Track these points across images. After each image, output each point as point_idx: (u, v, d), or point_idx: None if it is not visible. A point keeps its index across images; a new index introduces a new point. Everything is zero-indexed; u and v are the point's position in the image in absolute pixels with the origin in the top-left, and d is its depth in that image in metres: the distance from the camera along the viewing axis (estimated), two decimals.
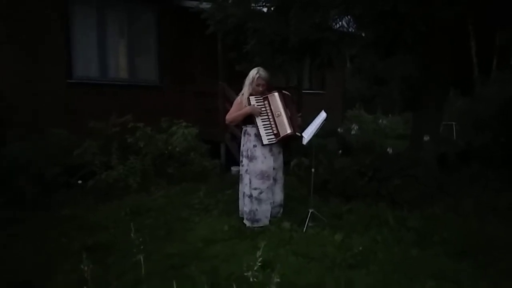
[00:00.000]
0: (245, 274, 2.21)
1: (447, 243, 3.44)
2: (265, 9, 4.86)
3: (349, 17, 4.07)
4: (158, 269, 3.04)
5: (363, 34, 5.03)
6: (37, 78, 6.17)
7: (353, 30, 4.16)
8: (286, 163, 5.80)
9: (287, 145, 4.18)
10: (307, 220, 3.95)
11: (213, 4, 5.14)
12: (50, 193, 4.88)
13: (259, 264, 2.22)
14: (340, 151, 6.02)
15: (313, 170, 4.18)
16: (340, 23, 4.15)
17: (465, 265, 3.04)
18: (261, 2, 4.90)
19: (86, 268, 2.39)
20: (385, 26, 3.71)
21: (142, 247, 2.73)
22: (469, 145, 7.05)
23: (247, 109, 3.86)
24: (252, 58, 4.57)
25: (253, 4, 4.76)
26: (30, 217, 4.28)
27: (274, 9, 4.50)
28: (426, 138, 4.87)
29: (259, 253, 2.22)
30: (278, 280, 2.02)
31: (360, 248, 3.27)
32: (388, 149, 4.90)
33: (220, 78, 7.02)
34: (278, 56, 4.38)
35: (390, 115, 16.83)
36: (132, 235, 2.59)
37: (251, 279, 2.16)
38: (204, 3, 5.40)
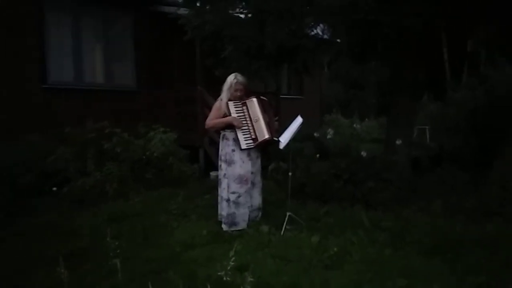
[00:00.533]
0: (219, 273, 2.26)
1: (419, 242, 3.56)
2: (242, 16, 4.93)
3: (323, 25, 4.20)
4: (135, 274, 3.04)
5: (338, 41, 5.20)
6: (10, 83, 6.05)
7: (328, 37, 4.29)
8: (264, 167, 5.88)
9: (265, 150, 4.26)
10: (285, 223, 4.02)
11: (191, 10, 5.18)
12: (23, 200, 4.78)
13: (232, 263, 2.27)
14: (318, 155, 6.13)
15: (290, 174, 4.26)
16: (315, 30, 4.27)
17: (435, 262, 3.16)
18: (239, 9, 4.97)
19: (62, 275, 2.38)
20: (357, 34, 3.85)
21: (118, 251, 2.73)
22: (441, 149, 7.30)
23: (229, 119, 3.93)
24: (229, 64, 4.63)
25: (230, 11, 4.82)
26: (3, 224, 4.19)
27: (251, 16, 4.58)
28: (398, 142, 5.03)
29: (231, 253, 2.26)
30: (252, 279, 2.07)
31: (335, 249, 3.35)
32: (362, 153, 5.03)
33: (198, 83, 7.05)
34: (255, 62, 4.46)
35: (366, 119, 17.19)
36: (108, 239, 2.56)
37: (224, 278, 2.20)
38: (181, 9, 5.43)
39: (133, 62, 7.60)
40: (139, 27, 7.54)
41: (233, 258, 2.33)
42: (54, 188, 5.11)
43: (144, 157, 5.78)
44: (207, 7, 4.75)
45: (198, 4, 5.10)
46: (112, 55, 7.39)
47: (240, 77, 3.99)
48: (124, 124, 6.09)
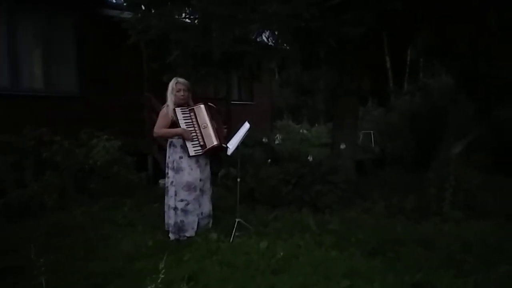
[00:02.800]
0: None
1: (362, 243, 3.70)
2: (188, 20, 4.88)
3: (268, 31, 4.27)
4: None
5: (287, 47, 5.32)
6: None
7: (272, 44, 4.37)
8: (214, 173, 5.84)
9: (216, 156, 4.23)
10: (234, 229, 4.00)
11: (135, 14, 5.05)
12: None
13: (162, 276, 2.24)
14: (269, 160, 6.20)
15: (238, 179, 4.26)
16: (261, 37, 4.32)
17: (376, 262, 3.29)
18: (185, 14, 4.92)
19: None
20: (300, 41, 3.95)
21: (56, 266, 2.56)
22: (384, 152, 7.68)
23: (178, 130, 3.86)
24: (175, 69, 4.56)
25: (176, 16, 4.76)
26: None
27: (196, 21, 4.55)
28: (342, 146, 5.20)
29: (161, 265, 2.23)
30: None
31: (282, 254, 3.39)
32: (308, 157, 5.15)
33: (146, 88, 6.87)
34: (201, 68, 4.43)
35: (316, 124, 17.68)
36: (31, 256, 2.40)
37: None
38: (126, 12, 5.27)
39: (76, 66, 7.25)
40: (82, 30, 7.22)
41: (163, 271, 2.29)
42: None
43: (86, 166, 5.52)
44: (152, 11, 4.64)
45: (143, 8, 4.97)
46: (53, 59, 7.00)
47: (180, 79, 3.95)
48: (66, 131, 5.79)
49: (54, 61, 7.00)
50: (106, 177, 5.76)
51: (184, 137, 3.86)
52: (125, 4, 5.20)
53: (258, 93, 11.96)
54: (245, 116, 5.79)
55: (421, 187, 4.85)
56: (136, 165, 6.30)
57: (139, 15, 4.98)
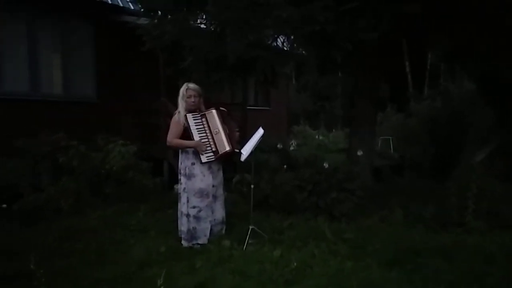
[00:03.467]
0: None
1: (379, 253, 3.58)
2: (203, 26, 4.87)
3: (283, 37, 4.21)
4: None
5: (303, 52, 5.25)
6: None
7: (287, 49, 4.30)
8: (228, 179, 5.78)
9: (229, 161, 4.18)
10: (247, 237, 3.93)
11: (151, 20, 5.07)
12: None
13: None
14: (285, 166, 6.12)
15: (252, 186, 4.19)
16: (275, 42, 4.26)
17: (393, 274, 3.17)
18: (199, 20, 4.91)
19: None
20: (315, 46, 3.88)
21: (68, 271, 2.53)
22: (403, 158, 7.48)
23: (192, 143, 3.83)
24: (189, 75, 4.55)
25: (191, 22, 4.75)
26: None
27: (210, 27, 4.53)
28: (359, 153, 5.08)
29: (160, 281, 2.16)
30: None
31: (295, 264, 3.30)
32: (324, 164, 5.04)
33: (161, 94, 6.90)
34: (215, 73, 4.41)
35: (333, 130, 17.49)
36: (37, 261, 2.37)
37: None
38: (142, 19, 5.31)
39: (93, 72, 7.35)
40: (100, 37, 7.33)
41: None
42: (4, 206, 4.79)
43: (102, 171, 5.54)
44: (168, 17, 4.65)
45: (159, 14, 4.99)
46: (71, 65, 7.12)
47: (191, 84, 3.92)
48: (83, 136, 5.85)
49: (72, 67, 7.13)
50: (122, 182, 5.78)
51: (197, 150, 3.83)
52: (142, 10, 5.23)
53: (275, 99, 11.89)
54: (261, 121, 5.73)
55: (441, 195, 4.68)
56: (152, 171, 6.31)
57: (156, 21, 5.00)
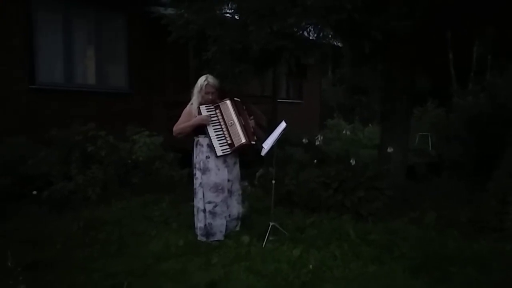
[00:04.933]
0: None
1: (406, 258, 3.35)
2: (229, 15, 4.76)
3: (309, 26, 4.00)
4: None
5: (334, 43, 5.01)
6: None
7: (314, 39, 4.09)
8: (251, 173, 5.67)
9: (245, 154, 4.04)
10: (267, 234, 3.81)
11: (178, 10, 5.01)
12: (0, 204, 4.61)
13: None
14: (315, 161, 5.93)
15: (273, 181, 4.04)
16: (302, 32, 4.07)
17: (420, 282, 2.93)
18: (227, 8, 4.80)
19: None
20: (342, 36, 3.65)
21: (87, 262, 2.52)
22: (440, 157, 7.05)
23: (196, 119, 3.70)
24: (213, 66, 4.45)
25: (217, 11, 4.65)
26: None
27: (235, 15, 4.39)
28: (390, 149, 4.79)
29: None
30: None
31: (311, 266, 3.15)
32: (351, 161, 4.80)
33: (191, 85, 6.86)
34: (239, 64, 4.27)
35: (370, 125, 16.89)
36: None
37: None
38: (169, 9, 5.27)
39: (126, 63, 7.47)
40: (131, 28, 7.41)
41: None
42: (34, 192, 4.94)
43: (129, 161, 5.60)
44: (194, 7, 4.56)
45: (185, 4, 4.92)
46: (105, 56, 7.25)
47: (211, 79, 3.78)
48: (115, 126, 5.94)
49: (105, 59, 7.26)
50: (148, 173, 5.83)
51: (202, 123, 3.67)
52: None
53: (307, 92, 11.65)
54: (292, 115, 5.58)
55: (480, 198, 4.33)
56: (181, 162, 6.32)
57: (182, 10, 4.94)
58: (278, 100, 8.96)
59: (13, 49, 6.07)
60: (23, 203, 4.82)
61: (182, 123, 3.80)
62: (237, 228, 3.98)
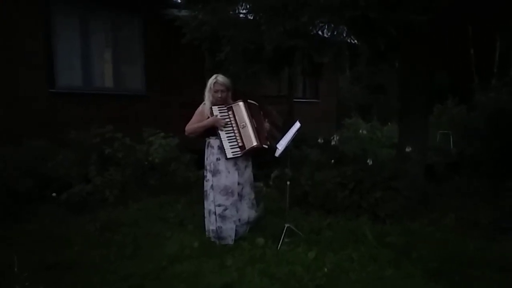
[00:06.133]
0: None
1: (425, 261, 3.26)
2: (242, 15, 4.73)
3: (322, 24, 3.93)
4: None
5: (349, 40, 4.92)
6: (16, 86, 6.05)
7: (327, 37, 4.02)
8: (267, 174, 5.63)
9: (258, 157, 4.00)
10: (282, 235, 3.78)
11: (193, 11, 5.02)
12: (21, 206, 4.72)
13: None
14: (332, 161, 5.85)
15: (288, 182, 4.00)
16: (315, 30, 4.00)
17: (439, 286, 2.85)
18: (240, 9, 4.77)
19: None
20: (356, 33, 3.57)
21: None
22: (461, 155, 6.86)
23: (209, 120, 3.67)
24: (227, 67, 4.43)
25: (231, 12, 4.63)
26: None
27: (248, 16, 4.36)
28: (408, 149, 4.67)
29: None
30: None
31: (325, 269, 3.09)
32: (368, 160, 4.71)
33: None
34: (252, 65, 4.24)
35: (389, 123, 16.59)
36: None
37: None
38: (183, 10, 5.28)
39: (143, 66, 7.54)
40: (148, 30, 7.48)
41: None
42: (54, 194, 5.04)
43: (146, 162, 5.65)
44: (207, 8, 4.56)
45: (200, 6, 4.93)
46: (122, 59, 7.35)
47: (221, 78, 3.74)
48: (132, 128, 5.99)
49: (122, 61, 7.35)
50: (165, 174, 5.86)
51: (216, 126, 3.64)
52: (183, 1, 5.19)
53: (324, 91, 11.53)
54: (309, 114, 5.51)
55: (502, 198, 4.18)
56: (196, 163, 6.33)
57: (196, 12, 4.94)
58: (295, 100, 8.91)
59: (33, 54, 6.20)
60: (43, 204, 4.92)
61: (194, 123, 3.78)
62: (246, 233, 3.90)
